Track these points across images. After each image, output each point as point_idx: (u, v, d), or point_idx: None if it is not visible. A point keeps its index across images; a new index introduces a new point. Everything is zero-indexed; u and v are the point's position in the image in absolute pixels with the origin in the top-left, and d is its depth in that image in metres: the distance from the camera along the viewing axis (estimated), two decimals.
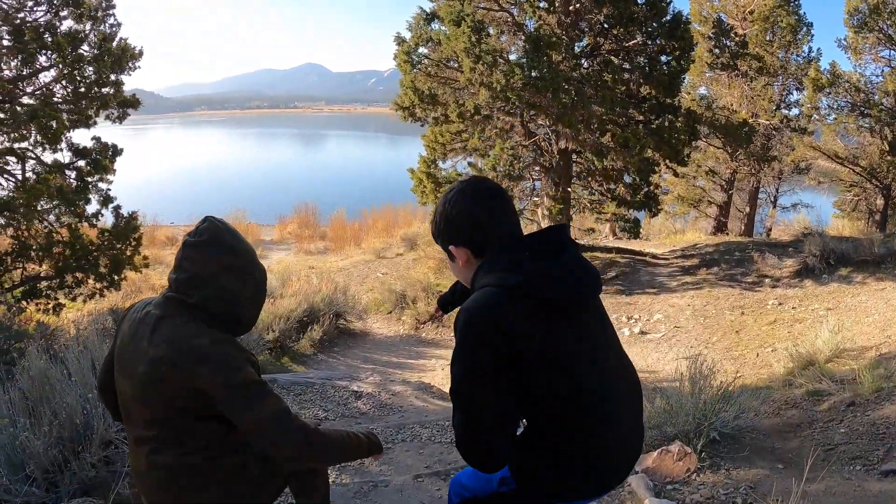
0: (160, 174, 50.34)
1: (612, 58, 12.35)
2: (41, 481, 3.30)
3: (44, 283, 9.65)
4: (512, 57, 11.85)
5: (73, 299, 10.07)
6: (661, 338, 9.68)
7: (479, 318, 1.75)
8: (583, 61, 12.23)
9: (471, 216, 1.91)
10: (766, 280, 11.14)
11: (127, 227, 9.89)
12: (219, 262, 2.05)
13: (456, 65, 11.92)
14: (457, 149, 12.94)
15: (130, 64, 9.94)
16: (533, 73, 10.68)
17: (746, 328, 9.52)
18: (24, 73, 9.33)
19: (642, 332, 9.91)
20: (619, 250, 14.05)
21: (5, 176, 9.37)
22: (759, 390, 5.95)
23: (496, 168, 11.60)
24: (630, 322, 10.34)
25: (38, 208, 9.04)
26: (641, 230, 13.46)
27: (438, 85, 12.40)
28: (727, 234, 18.62)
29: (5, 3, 8.89)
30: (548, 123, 12.18)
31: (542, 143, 12.73)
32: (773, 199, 22.41)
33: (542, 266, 1.81)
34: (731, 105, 18.49)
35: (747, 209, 20.60)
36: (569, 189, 12.78)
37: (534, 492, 1.93)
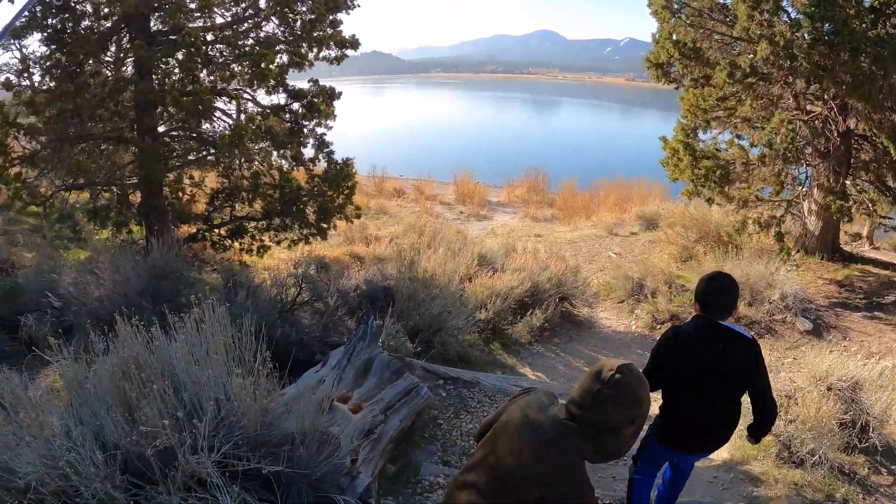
0: (393, 129, 52.31)
1: None
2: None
3: (251, 224, 9.72)
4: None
5: (279, 243, 10.07)
6: None
7: None
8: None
9: None
10: None
11: (339, 174, 9.60)
12: (626, 416, 2.13)
13: (721, 16, 10.30)
14: (720, 117, 11.09)
15: (349, 2, 9.56)
16: (826, 26, 8.68)
17: None
18: (242, 13, 9.34)
19: None
20: (895, 267, 11.35)
21: (223, 116, 9.46)
22: None
23: (771, 144, 9.69)
24: None
25: (246, 149, 9.02)
26: None
27: (703, 37, 10.66)
28: None
29: None
30: (831, 96, 9.95)
31: (817, 122, 10.41)
32: None
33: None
34: None
35: None
36: (846, 182, 10.53)
37: None
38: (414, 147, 40.96)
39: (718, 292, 3.38)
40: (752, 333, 3.50)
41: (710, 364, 3.35)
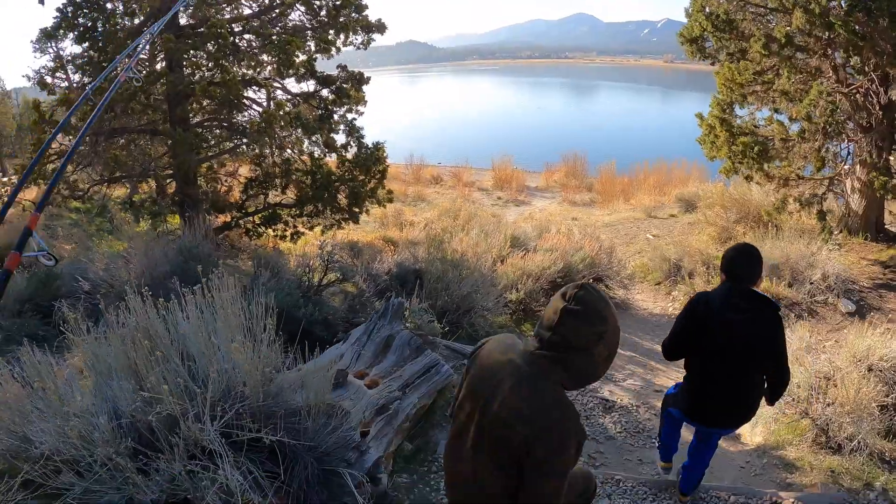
0: (430, 117, 52.35)
1: None
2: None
3: (284, 211, 9.84)
4: None
5: (311, 228, 10.17)
6: None
7: None
8: None
9: None
10: None
11: (369, 158, 9.65)
12: (593, 333, 2.18)
13: None
14: (757, 92, 10.66)
15: None
16: None
17: None
18: (269, 2, 9.37)
19: None
20: None
21: (254, 106, 9.53)
22: None
23: (811, 117, 9.33)
24: None
25: (276, 136, 9.11)
26: None
27: (736, 9, 10.34)
28: None
29: None
30: (871, 67, 9.41)
31: (858, 95, 9.83)
32: None
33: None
34: None
35: None
36: (889, 157, 9.94)
37: None
38: (451, 134, 41.04)
39: (745, 260, 3.40)
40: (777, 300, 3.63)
41: (737, 328, 3.32)
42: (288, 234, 9.96)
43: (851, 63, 9.87)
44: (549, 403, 2.17)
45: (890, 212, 11.75)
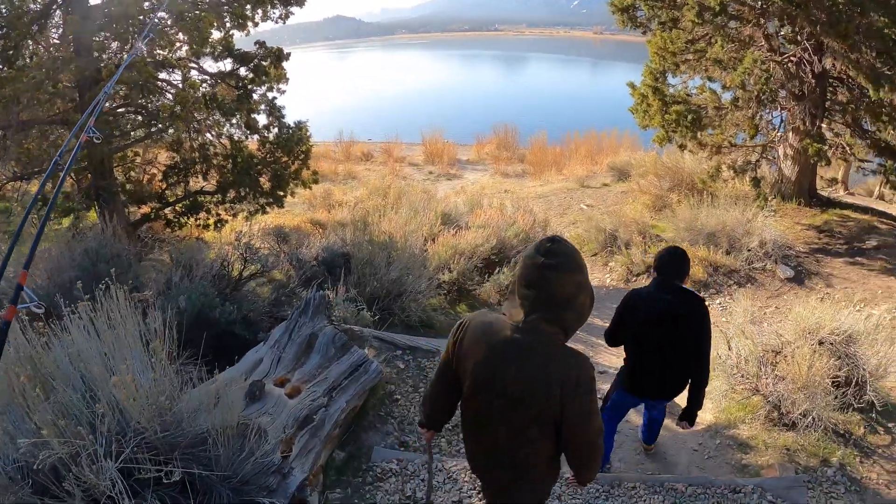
0: (360, 93, 51.67)
1: None
2: None
3: (206, 198, 9.39)
4: None
5: (235, 215, 9.75)
6: None
7: None
8: None
9: None
10: None
11: (291, 139, 9.26)
12: (575, 283, 2.21)
13: None
14: (690, 60, 10.64)
15: None
16: None
17: None
18: None
19: None
20: (875, 212, 11.14)
21: (170, 88, 8.98)
22: None
23: (745, 86, 9.39)
24: None
25: (192, 119, 8.64)
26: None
27: None
28: None
29: None
30: (805, 36, 9.53)
31: (791, 64, 9.95)
32: None
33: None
34: None
35: None
36: (822, 125, 10.14)
37: None
38: (382, 110, 40.61)
39: (672, 259, 3.91)
40: (704, 296, 3.89)
41: (663, 316, 3.80)
42: (211, 222, 9.50)
43: (783, 33, 9.96)
44: (564, 360, 2.23)
45: (821, 177, 12.04)
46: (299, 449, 3.55)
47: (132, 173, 10.08)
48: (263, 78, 9.21)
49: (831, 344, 5.14)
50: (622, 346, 4.13)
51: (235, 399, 2.77)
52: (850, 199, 12.15)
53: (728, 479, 4.29)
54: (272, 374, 4.34)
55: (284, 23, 9.54)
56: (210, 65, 9.37)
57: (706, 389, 3.99)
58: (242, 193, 9.25)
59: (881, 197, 13.90)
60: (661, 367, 3.93)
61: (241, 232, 7.47)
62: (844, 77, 9.93)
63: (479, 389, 2.37)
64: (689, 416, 4.04)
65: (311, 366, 4.42)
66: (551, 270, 2.17)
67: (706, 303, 3.95)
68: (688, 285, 3.96)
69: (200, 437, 2.61)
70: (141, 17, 8.29)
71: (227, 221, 9.74)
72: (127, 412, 2.47)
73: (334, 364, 4.42)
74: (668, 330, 3.80)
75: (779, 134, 10.87)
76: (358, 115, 35.10)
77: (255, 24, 9.23)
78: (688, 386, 3.99)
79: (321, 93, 50.19)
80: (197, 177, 9.51)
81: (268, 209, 9.70)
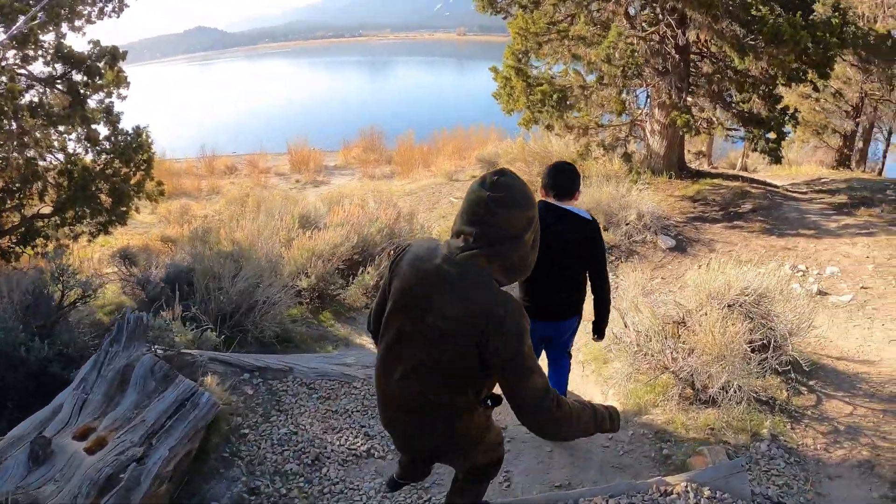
0: (221, 106, 50.26)
1: None
2: None
3: (41, 223, 8.34)
4: None
5: (76, 238, 8.72)
6: (851, 304, 6.94)
7: None
8: None
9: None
10: None
11: (129, 146, 8.39)
12: (524, 218, 2.07)
13: None
14: (552, 40, 10.33)
15: None
16: None
17: None
18: None
19: (822, 293, 7.21)
20: (744, 179, 11.62)
21: None
22: None
23: (611, 59, 9.17)
24: (798, 275, 7.71)
25: (11, 131, 7.68)
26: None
27: None
28: (852, 170, 15.95)
29: None
30: (668, 10, 9.49)
31: (653, 41, 9.89)
32: (887, 136, 19.61)
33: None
34: (864, 13, 14.73)
35: (860, 144, 17.63)
36: (688, 98, 10.07)
37: None
38: (245, 122, 39.42)
39: (560, 175, 3.78)
40: (592, 215, 3.77)
41: (550, 239, 3.40)
42: (50, 248, 8.48)
43: (644, 14, 10.11)
44: (491, 295, 2.05)
45: (689, 150, 12.46)
46: None
47: None
48: (99, 81, 8.36)
49: (740, 306, 4.79)
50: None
51: (15, 465, 2.18)
52: (717, 171, 12.70)
53: (655, 479, 3.45)
54: (73, 423, 3.48)
55: (119, 16, 8.72)
56: (42, 69, 8.43)
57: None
58: (79, 214, 8.34)
59: (744, 168, 14.66)
60: (555, 288, 3.84)
61: (53, 255, 6.54)
62: (706, 52, 10.09)
63: (396, 314, 2.22)
64: (598, 329, 4.06)
65: (125, 406, 3.55)
66: (500, 205, 2.02)
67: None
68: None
69: None
70: None
71: (67, 246, 8.71)
72: None
73: (155, 401, 3.55)
74: (558, 255, 3.70)
75: (644, 111, 11.02)
76: (222, 129, 34.03)
77: (90, 21, 8.40)
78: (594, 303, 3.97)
79: (183, 107, 48.28)
80: (33, 198, 8.46)
81: (110, 229, 8.79)
